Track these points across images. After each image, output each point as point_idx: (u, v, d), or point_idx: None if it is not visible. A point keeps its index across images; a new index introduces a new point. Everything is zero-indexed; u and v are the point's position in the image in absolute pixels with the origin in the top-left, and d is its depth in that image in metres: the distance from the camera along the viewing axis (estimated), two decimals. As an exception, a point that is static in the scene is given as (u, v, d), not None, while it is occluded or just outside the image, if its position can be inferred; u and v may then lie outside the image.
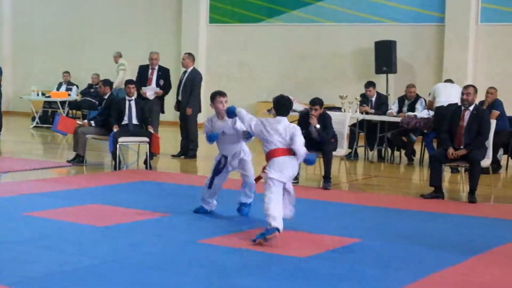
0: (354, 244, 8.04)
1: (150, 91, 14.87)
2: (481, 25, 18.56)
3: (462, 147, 11.09)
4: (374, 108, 15.50)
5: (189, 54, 15.50)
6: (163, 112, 15.26)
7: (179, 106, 15.25)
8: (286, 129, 8.26)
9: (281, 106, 8.41)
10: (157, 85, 15.08)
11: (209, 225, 8.92)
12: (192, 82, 15.08)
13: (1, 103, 17.71)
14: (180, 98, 15.19)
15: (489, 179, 11.68)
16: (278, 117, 8.35)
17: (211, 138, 9.15)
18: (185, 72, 15.30)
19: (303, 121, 12.12)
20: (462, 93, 11.36)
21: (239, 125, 9.05)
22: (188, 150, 15.11)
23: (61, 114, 15.74)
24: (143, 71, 15.31)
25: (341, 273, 6.93)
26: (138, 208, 9.70)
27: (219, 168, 9.31)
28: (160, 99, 15.08)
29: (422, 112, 14.74)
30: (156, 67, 15.23)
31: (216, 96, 9.32)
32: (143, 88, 14.88)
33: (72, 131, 14.02)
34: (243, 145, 9.32)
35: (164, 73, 15.31)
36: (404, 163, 15.30)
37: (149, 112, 14.06)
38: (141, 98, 14.41)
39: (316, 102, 11.97)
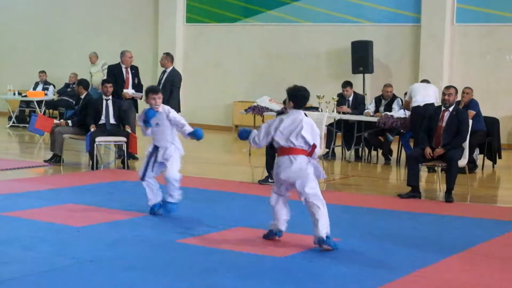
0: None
1: (132, 93, 14.81)
2: (457, 25, 18.65)
3: (440, 147, 11.15)
4: (351, 108, 15.54)
5: (168, 54, 15.40)
6: (137, 111, 15.18)
7: None
8: None
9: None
10: (133, 84, 14.95)
11: (186, 225, 8.89)
12: (172, 82, 14.96)
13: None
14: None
15: (465, 178, 11.75)
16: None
17: (148, 114, 9.18)
18: (164, 72, 15.20)
19: None
20: (444, 93, 11.42)
21: (173, 116, 9.29)
22: None
23: (38, 114, 15.63)
24: (116, 71, 15.03)
25: (319, 273, 6.95)
26: (116, 208, 9.68)
27: (149, 160, 9.40)
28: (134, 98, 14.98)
29: (398, 112, 14.80)
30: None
31: (148, 93, 9.40)
32: (125, 90, 14.76)
33: (49, 130, 13.96)
34: (176, 139, 9.47)
35: (136, 72, 15.22)
36: (381, 163, 15.34)
37: (125, 112, 14.00)
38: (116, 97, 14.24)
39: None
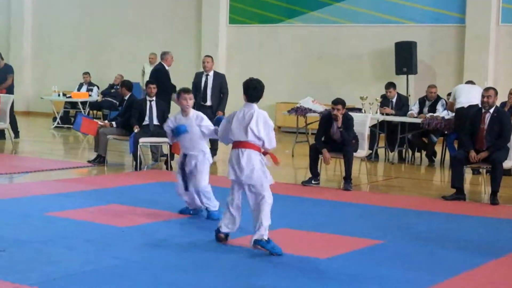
0: (375, 246, 8.03)
1: None
2: (502, 25, 18.47)
3: (484, 149, 11.05)
4: (395, 109, 15.45)
5: (211, 56, 14.94)
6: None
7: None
8: None
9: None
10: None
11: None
12: (221, 85, 14.62)
13: (17, 104, 17.72)
14: (209, 102, 14.47)
15: (511, 181, 11.60)
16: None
17: (179, 130, 9.01)
18: (207, 75, 14.57)
19: (325, 122, 12.12)
20: (483, 96, 11.31)
21: (206, 126, 9.12)
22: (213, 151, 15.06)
23: (83, 116, 15.73)
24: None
25: (362, 275, 6.92)
26: (159, 209, 9.72)
27: (182, 172, 9.23)
28: None
29: (442, 113, 14.68)
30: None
31: (181, 93, 9.27)
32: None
33: (95, 132, 14.04)
34: (205, 146, 9.30)
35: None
36: (425, 164, 15.24)
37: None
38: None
39: (338, 101, 11.93)
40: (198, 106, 13.51)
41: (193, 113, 9.23)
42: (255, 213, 7.65)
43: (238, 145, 7.76)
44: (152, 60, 20.88)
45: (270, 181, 7.74)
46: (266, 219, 7.58)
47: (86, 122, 14.86)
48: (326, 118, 12.15)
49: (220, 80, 14.66)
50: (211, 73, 14.57)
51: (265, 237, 7.54)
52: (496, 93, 11.34)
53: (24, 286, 6.21)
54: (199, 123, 9.13)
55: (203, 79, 14.59)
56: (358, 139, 12.32)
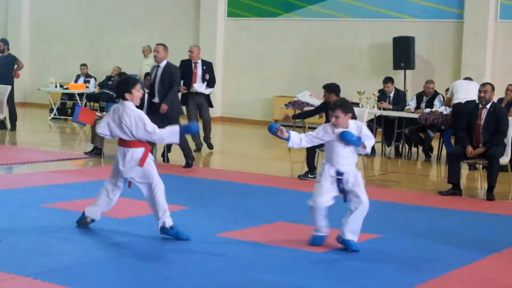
0: (372, 240, 8.03)
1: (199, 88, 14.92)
2: (500, 21, 18.46)
3: (480, 145, 11.06)
4: (392, 104, 15.47)
5: (164, 45, 13.25)
6: (211, 106, 15.50)
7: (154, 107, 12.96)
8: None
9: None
10: (203, 79, 14.95)
11: (227, 218, 8.92)
12: (170, 76, 13.00)
13: (15, 94, 17.73)
14: (157, 99, 12.95)
15: (507, 176, 11.61)
16: None
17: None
18: (158, 67, 13.11)
19: (324, 108, 12.18)
20: (480, 91, 11.32)
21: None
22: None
23: (81, 106, 15.73)
24: (186, 66, 14.98)
25: (359, 269, 6.93)
26: (156, 201, 9.69)
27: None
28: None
29: (440, 109, 14.69)
30: (199, 61, 15.07)
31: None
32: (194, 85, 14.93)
33: (92, 122, 14.03)
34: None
35: (208, 67, 15.19)
36: (421, 160, 15.25)
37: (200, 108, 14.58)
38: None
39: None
40: (149, 103, 13.03)
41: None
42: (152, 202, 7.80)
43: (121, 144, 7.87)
44: (146, 53, 20.86)
45: None
46: (164, 205, 7.75)
47: (84, 111, 14.85)
48: (323, 108, 12.20)
49: (170, 71, 13.03)
50: (162, 64, 13.04)
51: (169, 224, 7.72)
52: (493, 88, 11.35)
53: (20, 276, 6.21)
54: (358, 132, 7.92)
55: (154, 72, 13.19)
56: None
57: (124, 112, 7.71)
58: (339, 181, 7.64)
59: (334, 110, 7.65)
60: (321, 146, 12.04)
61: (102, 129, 7.88)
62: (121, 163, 7.82)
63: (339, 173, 7.62)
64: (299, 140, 7.74)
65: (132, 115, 7.70)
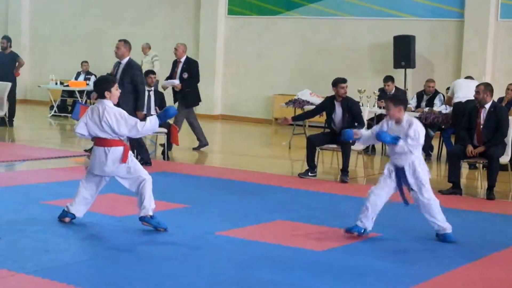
0: (372, 239, 8.04)
1: (169, 85, 14.80)
2: (501, 21, 18.46)
3: (480, 144, 11.05)
4: (392, 103, 15.45)
5: (125, 41, 12.85)
6: (199, 100, 15.20)
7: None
8: None
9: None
10: (181, 78, 14.68)
11: (226, 217, 8.92)
12: (131, 78, 12.54)
13: (18, 92, 17.81)
14: None
15: (508, 176, 11.61)
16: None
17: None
18: (119, 63, 12.87)
19: (328, 104, 12.22)
20: (475, 91, 11.35)
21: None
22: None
23: (81, 104, 15.73)
24: (173, 64, 14.99)
25: (359, 268, 6.94)
26: (156, 199, 9.64)
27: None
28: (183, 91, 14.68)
29: (440, 108, 14.69)
30: (182, 59, 14.90)
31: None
32: (164, 82, 14.84)
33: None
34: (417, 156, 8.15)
35: (189, 66, 14.92)
36: (421, 158, 15.22)
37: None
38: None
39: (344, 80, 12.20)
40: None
41: None
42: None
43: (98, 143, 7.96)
44: (145, 51, 20.84)
45: None
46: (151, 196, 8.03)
47: (84, 109, 14.82)
48: (330, 102, 12.22)
49: (130, 69, 12.64)
50: (123, 61, 12.74)
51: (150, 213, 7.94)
52: (489, 89, 11.23)
53: (21, 274, 6.22)
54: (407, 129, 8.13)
55: (115, 69, 12.91)
56: (364, 124, 12.37)
57: (104, 110, 7.81)
58: (396, 175, 7.98)
59: (386, 102, 8.08)
60: (321, 144, 12.14)
61: (80, 129, 7.95)
62: (104, 162, 7.89)
63: (396, 168, 7.95)
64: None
65: (112, 112, 7.83)
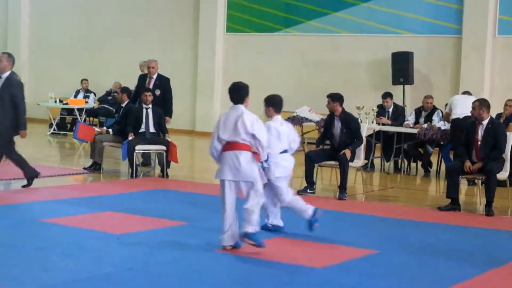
0: (370, 256, 8.04)
1: None
2: (499, 37, 18.52)
3: (478, 160, 11.05)
4: (391, 119, 15.50)
5: (9, 54, 11.83)
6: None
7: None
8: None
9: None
10: (153, 94, 14.17)
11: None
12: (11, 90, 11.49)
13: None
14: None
15: (506, 192, 11.61)
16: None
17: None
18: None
19: (328, 121, 12.31)
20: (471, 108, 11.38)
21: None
22: None
23: (80, 123, 15.75)
24: (142, 79, 14.92)
25: (357, 285, 6.93)
26: (155, 216, 9.72)
27: None
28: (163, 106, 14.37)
29: (438, 124, 14.71)
30: (154, 76, 14.75)
31: None
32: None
33: (92, 138, 14.04)
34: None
35: (162, 82, 14.78)
36: (420, 175, 15.26)
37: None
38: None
39: (332, 95, 12.44)
40: None
41: None
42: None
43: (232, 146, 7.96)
44: (142, 69, 20.84)
45: None
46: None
47: (83, 128, 14.87)
48: (329, 118, 12.30)
49: (10, 84, 11.52)
50: (4, 75, 11.52)
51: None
52: (485, 105, 11.26)
53: (19, 292, 6.22)
54: None
55: None
56: (362, 140, 12.41)
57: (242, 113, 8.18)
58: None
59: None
60: (319, 160, 12.14)
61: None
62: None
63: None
64: None
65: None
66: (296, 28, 21.17)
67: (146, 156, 14.39)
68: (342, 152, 11.90)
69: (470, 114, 13.17)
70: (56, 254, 7.58)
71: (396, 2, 19.69)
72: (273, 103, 9.69)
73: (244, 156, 7.93)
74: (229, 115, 8.17)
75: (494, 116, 13.45)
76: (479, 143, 11.11)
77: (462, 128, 12.06)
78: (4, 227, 8.73)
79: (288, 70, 21.20)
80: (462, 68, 18.65)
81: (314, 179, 12.17)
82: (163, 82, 14.84)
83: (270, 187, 8.76)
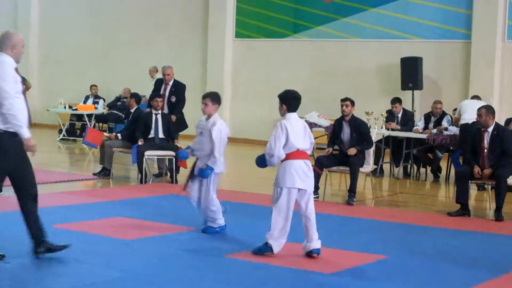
0: (380, 261, 8.03)
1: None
2: (508, 42, 18.49)
3: (486, 167, 11.01)
4: (400, 125, 15.49)
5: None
6: (187, 126, 15.09)
7: None
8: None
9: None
10: (169, 101, 14.53)
11: (235, 239, 8.92)
12: None
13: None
14: None
15: (516, 197, 11.60)
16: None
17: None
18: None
19: (337, 126, 12.29)
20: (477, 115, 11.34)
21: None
22: None
23: (89, 127, 15.80)
24: (158, 85, 14.94)
25: (367, 290, 6.93)
26: (164, 222, 9.73)
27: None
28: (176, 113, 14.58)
29: (449, 128, 14.67)
30: (170, 82, 14.81)
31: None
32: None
33: (100, 143, 14.08)
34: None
35: (177, 89, 14.86)
36: (430, 180, 15.24)
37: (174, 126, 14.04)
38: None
39: (346, 98, 12.37)
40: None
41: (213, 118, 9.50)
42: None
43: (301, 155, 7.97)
44: (152, 74, 20.87)
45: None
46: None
47: (92, 132, 14.90)
48: (338, 122, 12.28)
49: None
50: None
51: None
52: (491, 111, 11.23)
53: (30, 298, 6.24)
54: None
55: None
56: (365, 154, 12.31)
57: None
58: None
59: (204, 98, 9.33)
60: (329, 165, 12.13)
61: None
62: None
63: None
64: None
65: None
66: (305, 34, 21.18)
67: (160, 166, 14.37)
68: (347, 149, 11.91)
69: (478, 120, 13.19)
70: (66, 260, 7.59)
71: (405, 8, 19.68)
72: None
73: (310, 165, 8.04)
74: (293, 123, 8.03)
75: (504, 122, 13.45)
76: (486, 150, 11.08)
77: (471, 134, 12.03)
78: (15, 233, 8.74)
79: (297, 75, 21.19)
80: (471, 73, 18.63)
81: (318, 184, 12.10)
82: (179, 89, 14.86)
83: None
